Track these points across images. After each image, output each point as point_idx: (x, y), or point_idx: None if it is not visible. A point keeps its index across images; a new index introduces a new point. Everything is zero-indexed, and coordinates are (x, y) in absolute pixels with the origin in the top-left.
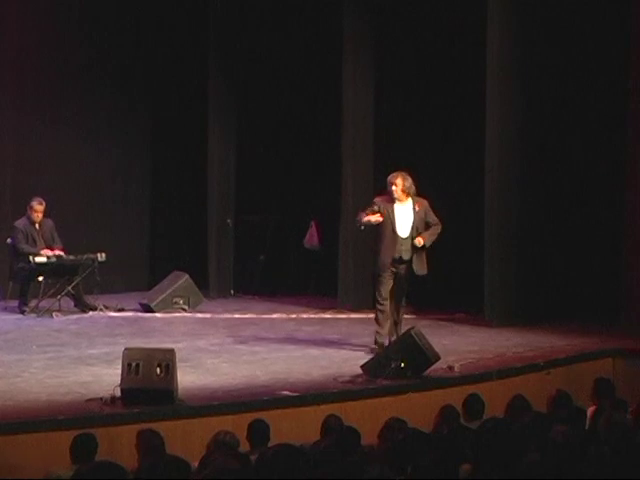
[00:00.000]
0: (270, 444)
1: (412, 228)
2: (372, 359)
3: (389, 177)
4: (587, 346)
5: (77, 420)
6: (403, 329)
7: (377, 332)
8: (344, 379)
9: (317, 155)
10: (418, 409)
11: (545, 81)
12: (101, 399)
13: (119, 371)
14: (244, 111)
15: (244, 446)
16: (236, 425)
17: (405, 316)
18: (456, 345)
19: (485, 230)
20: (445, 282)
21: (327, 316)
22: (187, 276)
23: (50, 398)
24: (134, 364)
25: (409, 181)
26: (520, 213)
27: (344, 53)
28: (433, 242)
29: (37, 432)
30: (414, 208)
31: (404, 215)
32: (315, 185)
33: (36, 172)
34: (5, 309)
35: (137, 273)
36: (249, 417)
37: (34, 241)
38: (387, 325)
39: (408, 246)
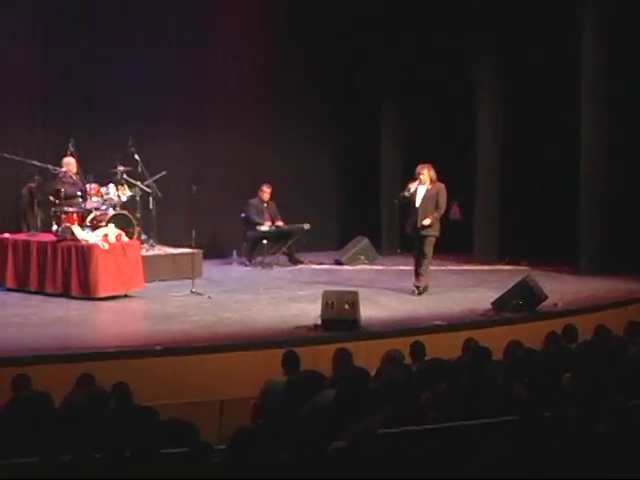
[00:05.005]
0: (426, 358)
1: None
2: (499, 298)
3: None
4: None
5: (290, 341)
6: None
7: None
8: (478, 312)
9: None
10: (531, 334)
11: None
12: (307, 327)
13: (319, 307)
14: (409, 128)
15: (408, 360)
16: (402, 345)
17: (522, 267)
18: (559, 288)
19: (580, 202)
20: (552, 242)
21: (465, 267)
22: (367, 239)
23: (272, 326)
24: (330, 302)
25: (432, 171)
26: (610, 185)
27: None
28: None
29: (262, 349)
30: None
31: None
32: (456, 174)
33: (263, 169)
34: (240, 263)
35: (332, 237)
36: (411, 339)
37: (262, 214)
38: None
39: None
